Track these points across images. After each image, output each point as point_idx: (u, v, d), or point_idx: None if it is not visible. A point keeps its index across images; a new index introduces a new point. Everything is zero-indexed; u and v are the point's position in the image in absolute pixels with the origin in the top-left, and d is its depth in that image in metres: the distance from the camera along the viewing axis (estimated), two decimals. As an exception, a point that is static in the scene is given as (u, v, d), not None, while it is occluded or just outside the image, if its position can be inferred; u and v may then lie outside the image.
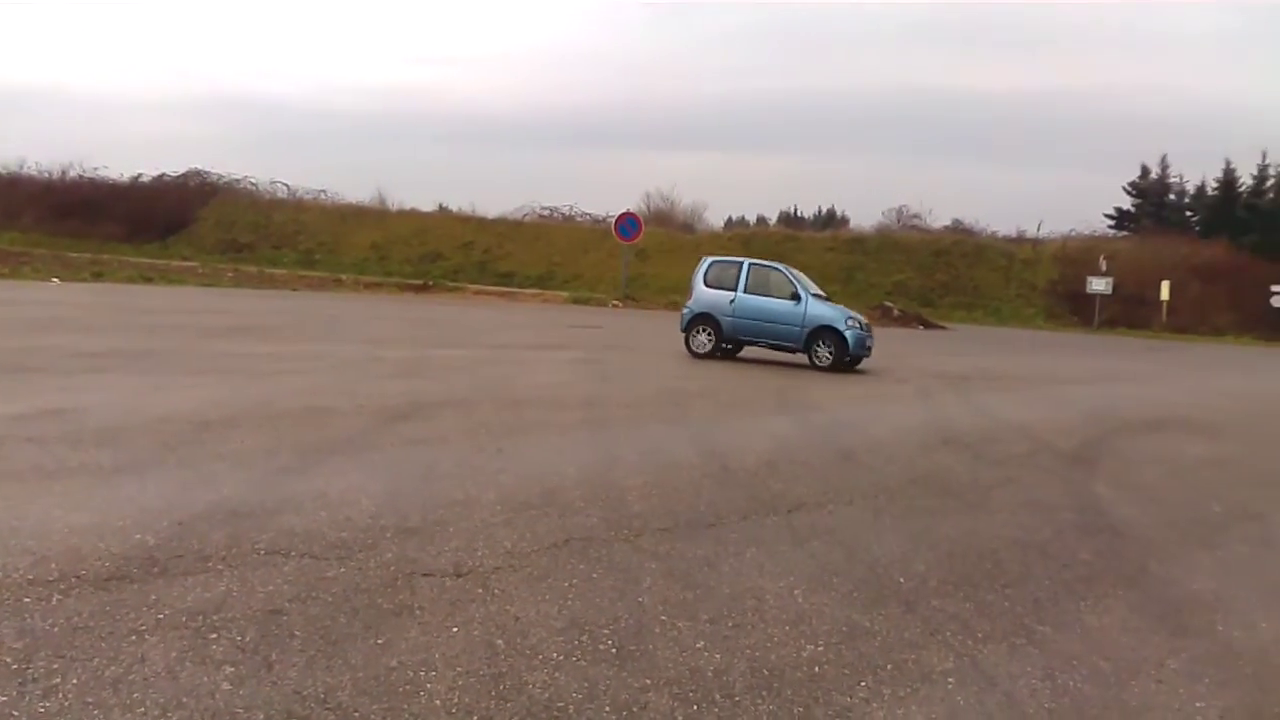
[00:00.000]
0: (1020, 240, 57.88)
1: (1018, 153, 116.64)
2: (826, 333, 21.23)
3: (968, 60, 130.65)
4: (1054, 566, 7.00)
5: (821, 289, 23.65)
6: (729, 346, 22.43)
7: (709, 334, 21.97)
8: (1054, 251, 54.76)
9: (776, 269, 22.66)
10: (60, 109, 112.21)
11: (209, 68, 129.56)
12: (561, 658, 4.74)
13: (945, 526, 7.88)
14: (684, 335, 22.36)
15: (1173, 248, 52.97)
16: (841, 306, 22.78)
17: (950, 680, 4.88)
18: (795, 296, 21.53)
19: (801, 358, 21.78)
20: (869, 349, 21.86)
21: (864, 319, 22.55)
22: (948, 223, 61.02)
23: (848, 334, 21.05)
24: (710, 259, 23.53)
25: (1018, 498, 9.17)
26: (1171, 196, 65.56)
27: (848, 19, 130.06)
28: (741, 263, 22.74)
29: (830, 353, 21.08)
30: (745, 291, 21.79)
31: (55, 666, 4.27)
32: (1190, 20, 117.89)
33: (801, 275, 22.99)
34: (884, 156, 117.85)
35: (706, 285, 22.30)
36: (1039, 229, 58.90)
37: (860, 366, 21.57)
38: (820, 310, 21.62)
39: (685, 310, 22.50)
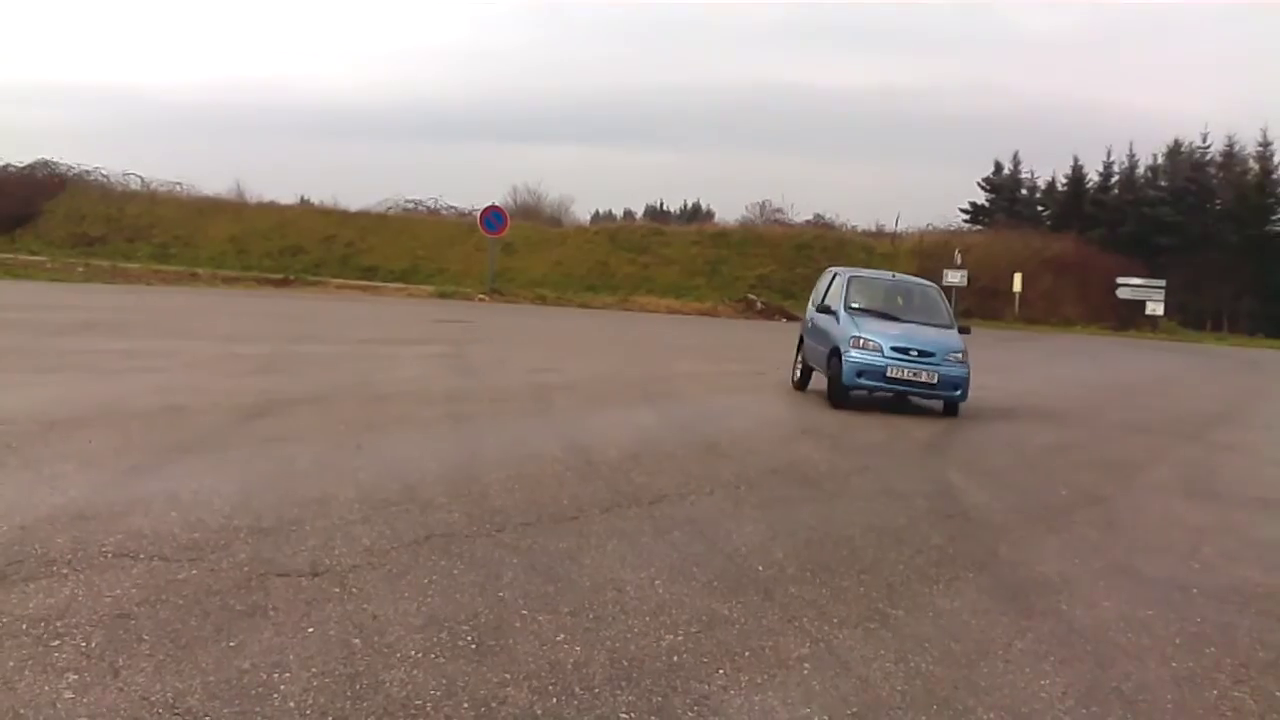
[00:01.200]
0: (879, 234, 58.95)
1: (877, 148, 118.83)
2: (835, 355, 15.23)
3: (828, 57, 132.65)
4: (908, 552, 7.18)
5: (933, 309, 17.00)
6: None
7: (799, 360, 17.57)
8: (912, 245, 55.91)
9: (840, 274, 17.72)
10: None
11: (57, 54, 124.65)
12: (420, 655, 4.70)
13: (804, 515, 8.03)
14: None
15: (1025, 241, 54.57)
16: (906, 329, 15.65)
17: (806, 665, 4.97)
18: (831, 310, 16.30)
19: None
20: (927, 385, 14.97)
21: (952, 348, 15.36)
22: (809, 217, 61.85)
23: (846, 358, 14.82)
24: (830, 270, 18.74)
25: (874, 485, 9.40)
26: (1023, 192, 67.51)
27: (713, 15, 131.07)
28: (834, 272, 18.03)
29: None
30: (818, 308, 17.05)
31: (-116, 679, 4.09)
32: (1036, 21, 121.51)
33: (872, 282, 18.00)
34: (748, 151, 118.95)
35: (811, 303, 17.95)
36: (897, 223, 60.11)
37: (727, 356, 21.66)
38: (843, 328, 15.46)
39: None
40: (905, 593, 6.28)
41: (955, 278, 49.34)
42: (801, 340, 17.62)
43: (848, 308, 15.99)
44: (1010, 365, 25.53)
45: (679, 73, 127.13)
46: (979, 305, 49.40)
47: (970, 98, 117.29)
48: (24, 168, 62.17)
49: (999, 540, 7.78)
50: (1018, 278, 50.19)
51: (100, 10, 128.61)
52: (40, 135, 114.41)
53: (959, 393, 14.96)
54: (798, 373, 17.39)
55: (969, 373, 15.00)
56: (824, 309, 16.51)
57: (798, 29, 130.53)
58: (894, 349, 14.82)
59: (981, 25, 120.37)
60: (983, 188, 67.81)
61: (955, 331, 16.02)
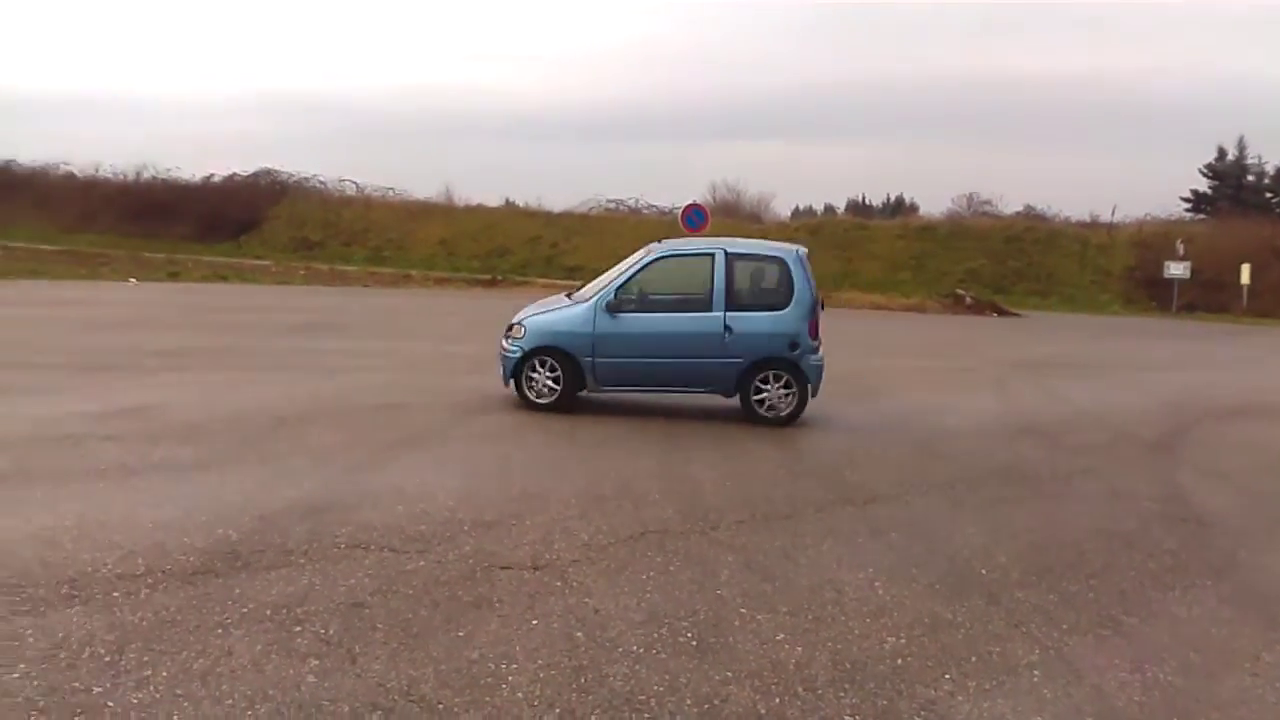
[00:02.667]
0: (1094, 225, 56.72)
1: (1090, 136, 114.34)
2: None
3: (1037, 44, 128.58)
4: (1139, 557, 6.87)
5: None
6: None
7: None
8: (1129, 236, 53.64)
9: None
10: (133, 112, 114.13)
11: (275, 68, 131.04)
12: (641, 650, 4.73)
13: (1025, 517, 7.77)
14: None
15: (1253, 230, 51.63)
16: None
17: (1036, 673, 4.81)
18: None
19: None
20: None
21: None
22: (1019, 209, 59.97)
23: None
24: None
25: (1099, 487, 9.02)
26: (1250, 178, 64.07)
27: (913, 5, 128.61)
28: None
29: None
30: None
31: (146, 659, 4.35)
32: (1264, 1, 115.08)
33: None
34: (953, 142, 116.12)
35: None
36: (1113, 214, 57.77)
37: (938, 353, 21.24)
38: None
39: None
40: (1138, 599, 6.01)
41: (1178, 269, 47.20)
42: None
43: None
44: (1240, 361, 24.25)
45: (878, 64, 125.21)
46: (1203, 298, 47.10)
47: (1190, 80, 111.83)
48: (248, 176, 65.51)
49: (1237, 546, 7.36)
50: (1245, 269, 47.55)
51: (318, 24, 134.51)
52: (263, 145, 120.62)
53: None
54: None
55: None
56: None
57: (1004, 16, 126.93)
58: None
59: (1201, 4, 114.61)
60: (1205, 174, 64.58)
61: None
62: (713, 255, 11.68)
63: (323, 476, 7.74)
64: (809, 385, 11.34)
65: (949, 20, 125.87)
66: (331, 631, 4.75)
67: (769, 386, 11.31)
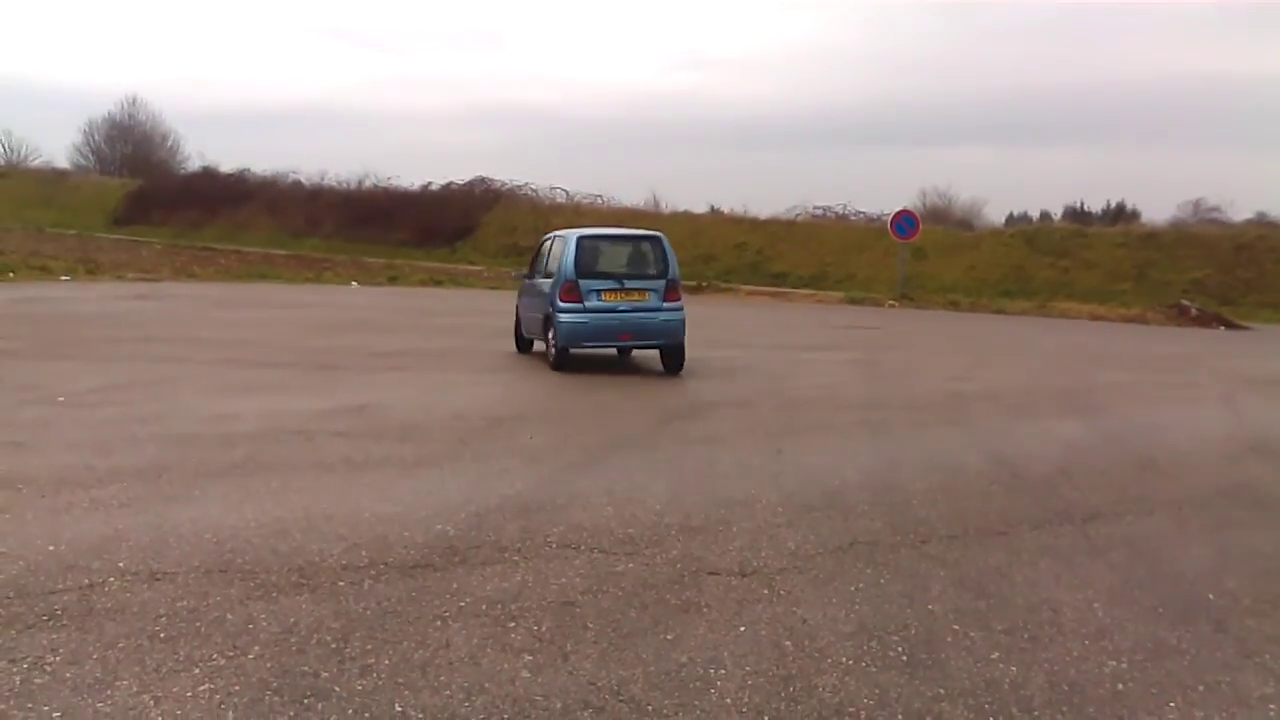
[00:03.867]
0: (1334, 233, 53.46)
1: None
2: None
3: (1267, 42, 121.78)
4: (1384, 589, 6.42)
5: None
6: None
7: None
8: (1373, 245, 50.35)
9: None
10: (356, 124, 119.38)
11: (491, 79, 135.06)
12: (851, 662, 4.68)
13: (1258, 542, 7.35)
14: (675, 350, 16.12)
15: None
16: None
17: (1271, 707, 4.54)
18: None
19: None
20: None
21: None
22: (1251, 215, 56.91)
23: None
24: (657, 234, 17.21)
25: (1342, 513, 8.47)
26: None
27: (1131, 4, 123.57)
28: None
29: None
30: None
31: (369, 647, 4.53)
32: None
33: None
34: (1177, 145, 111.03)
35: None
36: (1355, 220, 54.26)
37: (1161, 366, 20.34)
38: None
39: (677, 314, 15.86)
40: (1383, 634, 5.61)
41: None
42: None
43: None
44: None
45: (1095, 66, 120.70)
46: None
47: None
48: (463, 184, 67.68)
49: None
50: None
51: (528, 36, 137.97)
52: (478, 155, 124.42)
53: None
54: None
55: None
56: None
57: (1229, 13, 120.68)
58: None
59: None
60: None
61: None
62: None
63: (535, 476, 7.93)
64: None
65: (1172, 17, 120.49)
66: (544, 629, 4.85)
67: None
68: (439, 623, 4.86)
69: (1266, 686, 4.76)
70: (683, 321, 15.76)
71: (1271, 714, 4.47)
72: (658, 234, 16.78)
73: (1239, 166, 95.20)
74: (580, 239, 15.65)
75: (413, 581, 5.42)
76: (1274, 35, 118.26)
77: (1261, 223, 55.06)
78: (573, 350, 15.10)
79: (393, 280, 39.77)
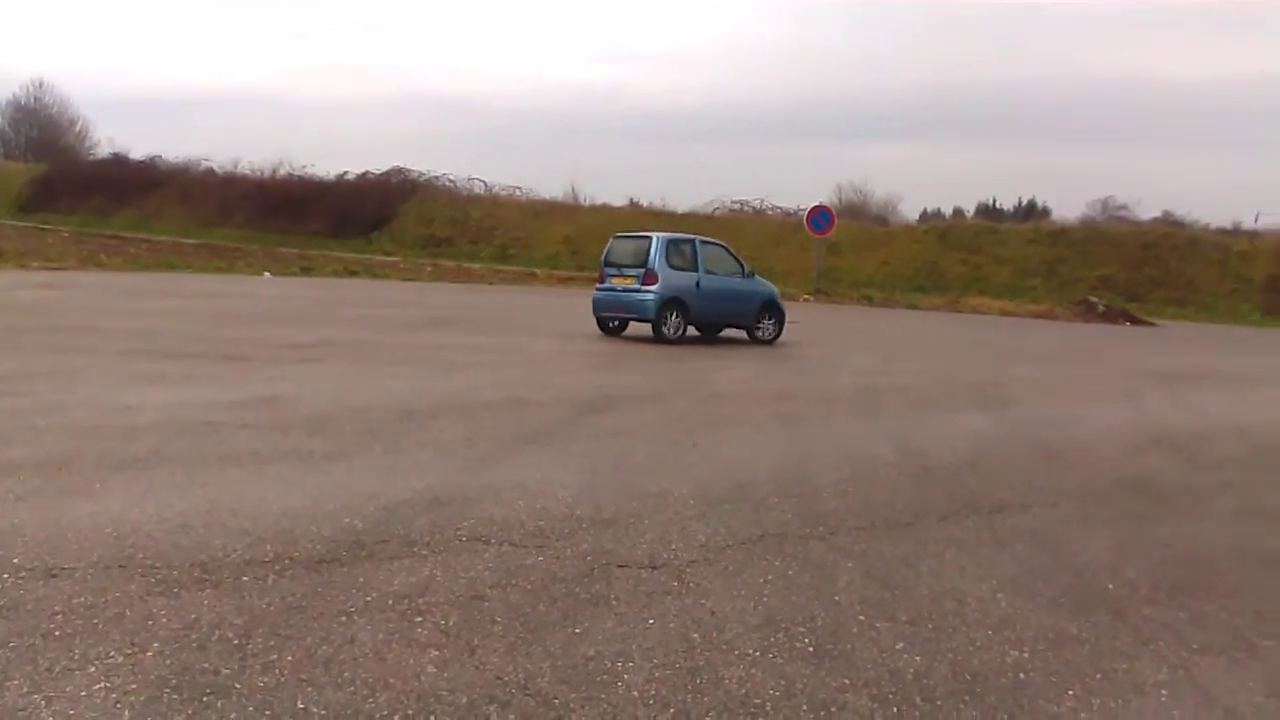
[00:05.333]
0: (1236, 232, 54.87)
1: (1235, 140, 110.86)
2: (771, 307, 21.67)
3: (1174, 46, 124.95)
4: (1277, 577, 6.62)
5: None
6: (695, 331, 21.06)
7: (679, 318, 20.19)
8: (1273, 244, 51.75)
9: (720, 245, 22.10)
10: (271, 111, 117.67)
11: (409, 68, 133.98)
12: (758, 654, 4.70)
13: (1157, 532, 7.54)
14: (646, 321, 20.30)
15: (1406, 240, 49.54)
16: (766, 281, 22.86)
17: (1164, 693, 4.65)
18: (747, 274, 21.54)
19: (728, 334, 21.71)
20: None
21: None
22: (1157, 214, 58.28)
23: (783, 307, 21.97)
24: (665, 236, 21.18)
25: (1236, 503, 8.72)
26: (1405, 185, 61.35)
27: (1045, 6, 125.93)
28: (693, 240, 21.49)
29: (773, 324, 21.56)
30: (705, 271, 20.63)
31: (272, 644, 4.45)
32: None
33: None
34: (1088, 145, 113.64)
35: (670, 266, 20.12)
36: (1256, 221, 55.80)
37: (1067, 361, 20.78)
38: (764, 287, 21.95)
39: (644, 295, 19.96)
40: (1276, 622, 5.77)
41: (1323, 280, 45.40)
42: (678, 301, 20.13)
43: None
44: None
45: (1011, 66, 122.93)
46: (1352, 310, 45.24)
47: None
48: (380, 175, 66.98)
49: (1387, 569, 7.04)
50: (1398, 281, 45.60)
51: (449, 25, 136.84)
52: (395, 144, 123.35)
53: None
54: (680, 329, 20.35)
55: None
56: (724, 271, 21.19)
57: (1139, 18, 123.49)
58: None
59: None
60: (1356, 182, 62.01)
61: None
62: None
63: (446, 470, 7.86)
64: None
65: (1084, 21, 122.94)
66: (451, 623, 4.81)
67: None
68: (344, 618, 4.79)
69: (1160, 674, 4.88)
70: (655, 301, 19.70)
71: (1165, 699, 4.57)
72: (652, 235, 21.00)
73: (1147, 166, 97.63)
74: (612, 238, 21.64)
75: (318, 576, 5.33)
76: (1181, 39, 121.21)
77: (1167, 221, 56.43)
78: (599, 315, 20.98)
79: (306, 271, 39.26)
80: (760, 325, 21.46)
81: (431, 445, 8.77)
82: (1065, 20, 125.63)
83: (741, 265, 21.58)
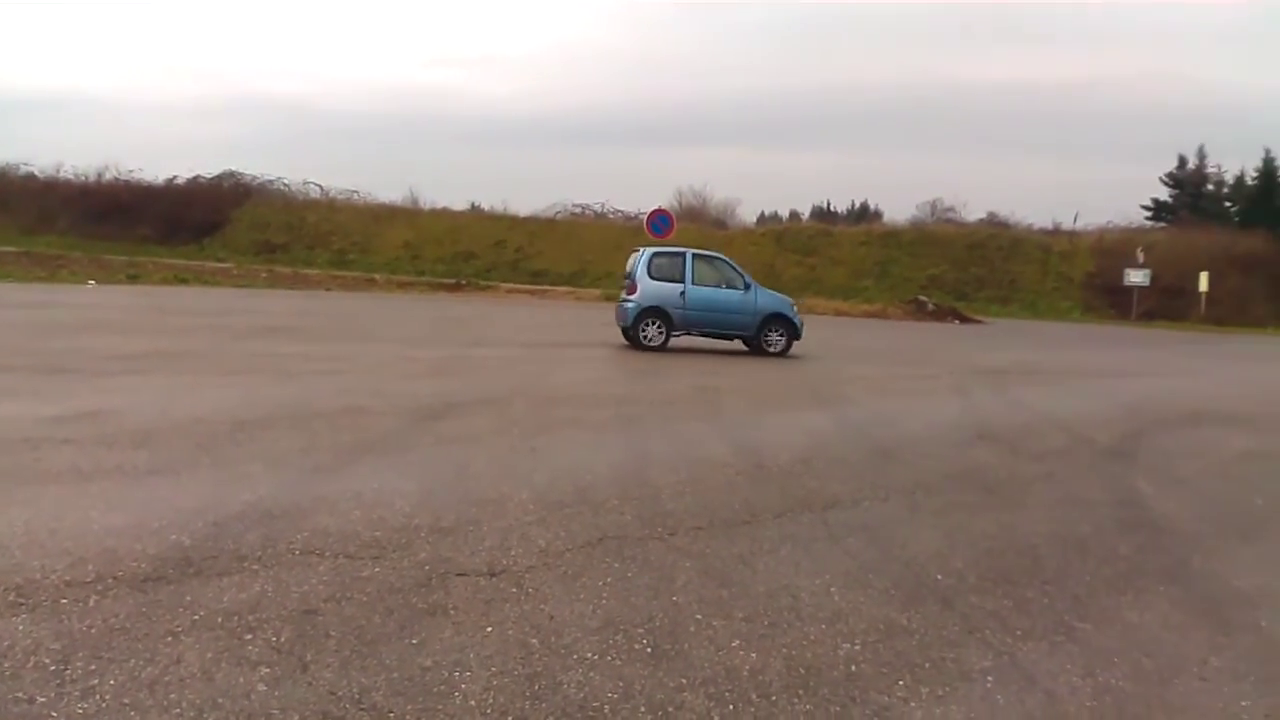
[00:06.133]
0: (1056, 233, 57.37)
1: (1055, 144, 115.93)
2: (777, 320, 22.19)
3: (1001, 52, 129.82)
4: (1094, 562, 6.92)
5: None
6: (678, 335, 22.20)
7: (659, 327, 21.65)
8: (1091, 244, 54.30)
9: (720, 259, 23.27)
10: (95, 113, 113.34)
11: (241, 70, 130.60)
12: (596, 657, 4.72)
13: (983, 523, 7.81)
14: (627, 329, 22.14)
15: (1211, 238, 52.38)
16: (779, 294, 23.96)
17: (989, 679, 4.82)
18: (746, 286, 22.18)
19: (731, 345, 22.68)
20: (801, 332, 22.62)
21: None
22: (983, 215, 60.57)
23: (795, 319, 22.29)
24: (649, 250, 22.81)
25: (1056, 493, 9.09)
26: (1209, 187, 64.94)
27: (877, 13, 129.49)
28: (684, 253, 22.51)
29: (782, 337, 22.09)
30: (693, 283, 21.79)
31: (93, 668, 4.28)
32: (1224, 10, 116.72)
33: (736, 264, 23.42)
34: (918, 149, 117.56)
35: (651, 278, 21.82)
36: (1075, 221, 58.40)
37: (899, 359, 21.39)
38: (769, 299, 22.65)
39: (628, 304, 21.91)
40: (1092, 605, 6.04)
41: (1137, 277, 47.78)
42: (658, 310, 21.64)
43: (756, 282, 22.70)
44: (1197, 368, 24.54)
45: (844, 72, 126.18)
46: (1162, 305, 47.72)
47: (1153, 90, 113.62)
48: (211, 179, 65.17)
49: (1191, 551, 7.43)
50: (1204, 277, 48.18)
51: (282, 26, 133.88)
52: (227, 147, 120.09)
53: None
54: (659, 336, 21.69)
55: None
56: (728, 284, 22.24)
57: (968, 25, 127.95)
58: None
59: (1168, 14, 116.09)
60: (1166, 183, 65.41)
61: None
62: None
63: (279, 482, 7.67)
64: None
65: (919, 29, 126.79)
66: (283, 639, 4.70)
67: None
68: (170, 638, 4.63)
69: (986, 660, 5.05)
70: (634, 309, 21.59)
71: (990, 685, 4.74)
72: (644, 249, 22.67)
73: (972, 169, 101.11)
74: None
75: (143, 596, 5.15)
76: (1004, 46, 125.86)
77: (992, 223, 58.69)
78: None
79: (134, 279, 37.94)
80: (767, 338, 22.07)
81: (264, 457, 8.55)
82: (891, 28, 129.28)
83: (743, 278, 22.36)
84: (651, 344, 21.59)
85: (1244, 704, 4.74)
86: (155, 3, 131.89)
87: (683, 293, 21.68)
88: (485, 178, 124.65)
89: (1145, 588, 6.47)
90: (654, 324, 21.67)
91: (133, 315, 23.55)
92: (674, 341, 22.09)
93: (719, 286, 22.13)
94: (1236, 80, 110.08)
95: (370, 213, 61.97)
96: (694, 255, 22.50)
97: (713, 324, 22.14)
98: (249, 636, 4.70)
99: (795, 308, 22.91)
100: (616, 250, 53.95)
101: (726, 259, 23.34)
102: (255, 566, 5.68)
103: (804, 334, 22.52)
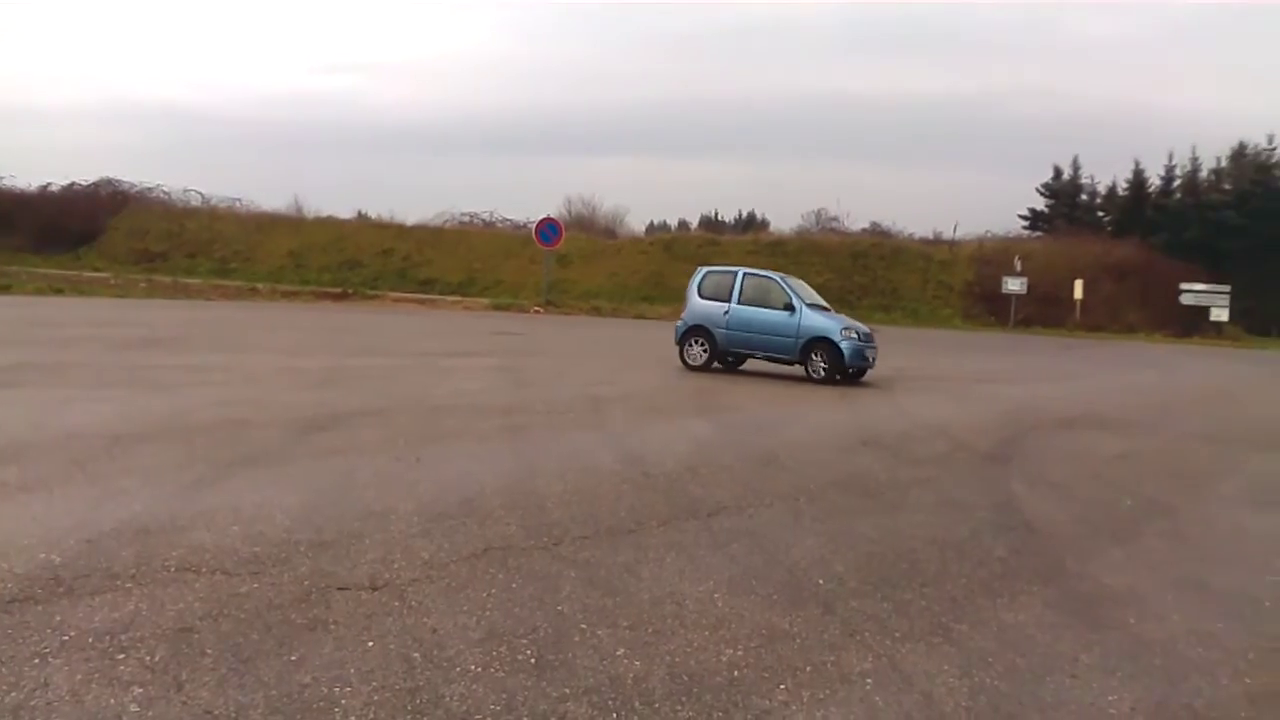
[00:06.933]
0: (937, 242, 58.54)
1: (935, 155, 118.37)
2: (821, 344, 20.05)
3: (885, 66, 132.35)
4: (970, 565, 7.09)
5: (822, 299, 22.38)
6: (730, 360, 21.37)
7: (704, 346, 20.89)
8: (970, 253, 55.51)
9: (770, 278, 21.53)
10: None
11: (118, 75, 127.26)
12: (479, 669, 4.70)
13: (864, 527, 7.95)
14: (678, 348, 21.43)
15: (1085, 247, 53.95)
16: (841, 317, 21.59)
17: (869, 681, 4.91)
18: (789, 307, 20.36)
19: (799, 370, 20.63)
20: (870, 360, 20.58)
21: (866, 329, 21.16)
22: (866, 225, 61.58)
23: (843, 345, 19.83)
24: (705, 269, 22.45)
25: (935, 497, 9.29)
26: (1084, 197, 66.85)
27: (765, 25, 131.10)
28: (736, 272, 21.74)
29: (825, 364, 19.92)
30: (739, 302, 20.72)
31: (-45, 694, 4.14)
32: (1097, 26, 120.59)
33: (800, 284, 22.09)
34: (803, 160, 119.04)
35: (701, 296, 21.24)
36: (955, 231, 59.74)
37: (783, 367, 21.57)
38: (815, 321, 20.34)
39: (679, 323, 21.62)
40: (969, 606, 6.20)
41: (1015, 285, 48.98)
42: (702, 329, 21.09)
43: (806, 304, 20.59)
44: (1072, 374, 25.24)
45: (731, 83, 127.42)
46: (1039, 313, 48.96)
47: (1030, 103, 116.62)
48: (88, 186, 63.36)
49: (1064, 552, 7.66)
50: (1079, 284, 49.61)
51: (160, 31, 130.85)
52: (103, 154, 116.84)
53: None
54: (702, 357, 21.02)
55: None
56: (781, 305, 20.52)
57: (852, 38, 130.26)
58: (860, 335, 20.39)
59: (1043, 30, 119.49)
60: (1042, 194, 67.21)
61: None
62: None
63: (155, 497, 7.49)
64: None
65: (805, 41, 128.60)
66: (157, 658, 4.59)
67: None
68: (37, 660, 4.50)
69: (866, 663, 5.15)
70: (681, 328, 21.53)
71: (869, 687, 4.83)
72: (701, 268, 22.94)
73: (856, 180, 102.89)
74: None
75: (10, 617, 4.99)
76: (887, 60, 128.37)
77: (875, 232, 59.76)
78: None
79: (5, 289, 36.65)
80: (811, 362, 20.17)
81: (140, 472, 8.34)
82: (778, 40, 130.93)
83: (791, 298, 20.53)
84: (694, 364, 20.87)
85: (1111, 698, 4.91)
86: (34, 6, 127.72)
87: (726, 312, 20.75)
88: (372, 186, 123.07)
89: (1020, 589, 6.66)
90: (698, 343, 20.98)
91: (4, 327, 22.80)
92: (744, 365, 21.39)
93: (763, 307, 20.60)
94: (1109, 95, 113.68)
95: (253, 221, 60.82)
96: (745, 274, 21.56)
97: (754, 345, 20.77)
98: (121, 656, 4.59)
99: (854, 333, 20.34)
100: (505, 259, 53.89)
101: (779, 278, 21.46)
102: (129, 585, 5.55)
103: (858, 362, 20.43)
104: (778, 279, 21.39)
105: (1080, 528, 8.58)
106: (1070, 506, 9.39)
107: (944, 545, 7.56)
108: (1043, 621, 6.02)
